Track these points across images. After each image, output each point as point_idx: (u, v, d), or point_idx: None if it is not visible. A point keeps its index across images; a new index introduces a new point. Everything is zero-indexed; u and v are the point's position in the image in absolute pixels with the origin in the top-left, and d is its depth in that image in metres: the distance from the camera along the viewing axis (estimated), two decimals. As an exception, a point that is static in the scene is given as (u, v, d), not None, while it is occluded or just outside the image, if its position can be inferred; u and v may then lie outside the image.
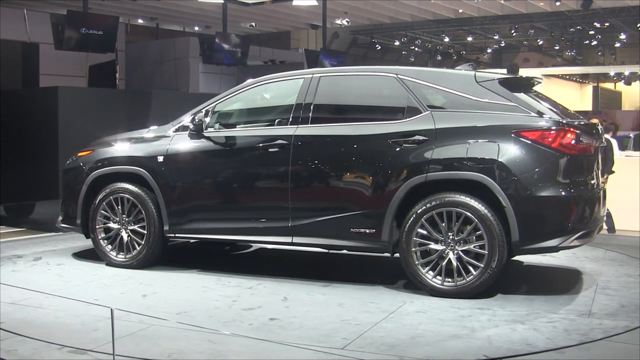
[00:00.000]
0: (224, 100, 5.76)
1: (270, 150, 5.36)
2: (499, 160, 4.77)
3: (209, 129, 5.63)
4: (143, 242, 5.75)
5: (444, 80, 5.22)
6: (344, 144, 5.24)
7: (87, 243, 6.78)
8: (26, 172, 8.70)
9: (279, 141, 5.34)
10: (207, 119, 5.59)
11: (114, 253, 5.86)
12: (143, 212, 5.73)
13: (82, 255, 6.40)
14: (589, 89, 37.36)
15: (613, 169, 6.14)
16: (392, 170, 5.02)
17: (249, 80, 5.83)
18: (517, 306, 4.75)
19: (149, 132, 5.99)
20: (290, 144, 5.30)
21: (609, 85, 37.66)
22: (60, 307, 4.64)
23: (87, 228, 5.99)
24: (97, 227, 5.91)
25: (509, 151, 4.79)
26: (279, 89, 5.86)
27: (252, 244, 6.85)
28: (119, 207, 5.83)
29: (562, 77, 33.83)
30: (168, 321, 4.30)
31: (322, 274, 5.71)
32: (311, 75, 5.55)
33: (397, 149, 5.03)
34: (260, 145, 5.41)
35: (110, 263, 5.87)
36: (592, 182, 5.02)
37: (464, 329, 4.22)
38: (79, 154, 6.21)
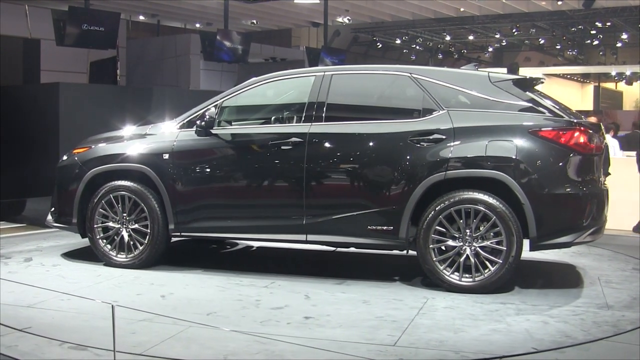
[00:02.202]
0: (231, 97, 5.70)
1: (283, 147, 5.34)
2: (517, 158, 4.91)
3: (217, 126, 5.57)
4: (146, 242, 5.63)
5: (458, 80, 5.30)
6: (361, 142, 5.26)
7: (71, 241, 6.77)
8: (27, 168, 8.69)
9: (294, 139, 5.32)
10: (216, 116, 5.53)
11: (113, 253, 5.73)
12: (146, 210, 5.61)
13: (73, 255, 6.28)
14: (590, 88, 37.33)
15: (609, 170, 6.17)
16: (411, 168, 5.07)
17: (256, 78, 5.77)
18: (536, 300, 4.89)
19: (150, 129, 5.88)
20: (305, 141, 5.29)
21: (610, 85, 37.62)
22: (82, 309, 4.51)
23: (84, 227, 5.85)
24: (96, 226, 5.76)
25: (527, 150, 4.92)
26: (288, 86, 5.84)
27: (239, 242, 6.87)
28: (119, 205, 5.70)
29: (563, 76, 33.79)
30: (206, 323, 4.24)
31: (331, 272, 5.74)
32: (322, 73, 5.54)
33: (416, 147, 5.09)
34: (273, 142, 5.38)
35: (110, 263, 5.73)
36: (601, 180, 5.21)
37: (499, 324, 4.32)
38: (75, 151, 6.04)
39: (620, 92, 36.95)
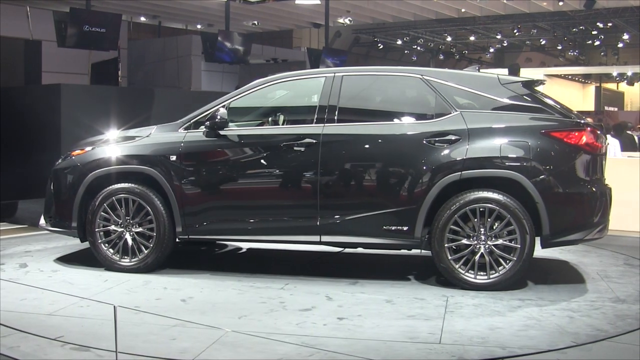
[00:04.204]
0: (239, 98, 5.65)
1: (296, 148, 5.33)
2: (531, 158, 5.03)
3: (225, 127, 5.49)
4: (152, 245, 5.51)
5: (469, 82, 5.40)
6: (376, 143, 5.29)
7: (59, 244, 6.69)
8: (28, 169, 8.70)
9: (307, 140, 5.32)
10: (225, 118, 5.44)
11: (117, 257, 5.59)
12: (152, 213, 5.49)
13: (68, 259, 6.10)
14: (591, 89, 37.32)
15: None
16: (426, 169, 5.13)
17: (264, 79, 5.73)
18: (550, 295, 5.02)
19: (154, 130, 5.74)
20: (319, 142, 5.30)
21: (611, 86, 37.62)
22: (108, 316, 4.19)
23: (84, 231, 5.69)
24: (97, 230, 5.61)
25: (540, 150, 5.06)
26: (296, 87, 5.83)
27: (228, 244, 6.84)
28: (122, 208, 5.56)
29: (564, 77, 33.80)
30: (242, 327, 4.20)
31: (340, 272, 5.76)
32: (333, 74, 5.55)
33: (431, 148, 5.15)
34: (286, 143, 5.36)
35: (112, 267, 5.57)
36: (605, 178, 5.37)
37: (529, 320, 4.41)
38: (74, 154, 5.86)
39: (622, 92, 36.95)
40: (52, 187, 5.90)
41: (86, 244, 5.90)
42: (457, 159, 5.08)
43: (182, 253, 6.57)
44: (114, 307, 3.84)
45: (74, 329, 4.13)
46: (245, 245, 6.83)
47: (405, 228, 5.17)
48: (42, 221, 5.98)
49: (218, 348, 3.83)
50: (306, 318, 4.42)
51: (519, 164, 5.04)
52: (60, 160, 5.99)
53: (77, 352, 3.74)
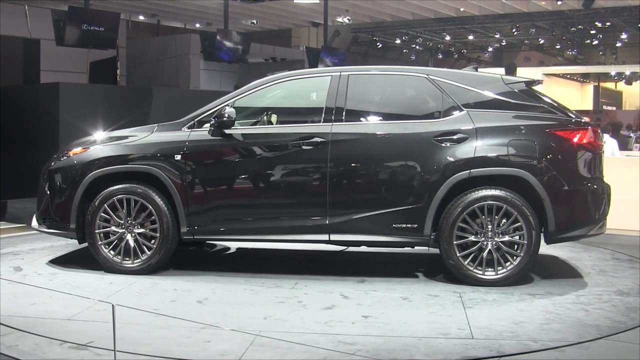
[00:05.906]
0: (243, 97, 5.61)
1: (305, 147, 5.33)
2: (537, 157, 5.16)
3: (232, 126, 5.44)
4: (156, 246, 5.44)
5: (474, 82, 5.50)
6: (385, 142, 5.34)
7: (47, 244, 6.60)
8: (26, 168, 8.69)
9: (316, 138, 5.32)
10: (234, 116, 5.39)
11: (118, 258, 5.48)
12: (155, 213, 5.41)
13: (61, 261, 5.96)
14: (589, 88, 37.31)
15: None
16: (436, 167, 5.20)
17: (269, 77, 5.73)
18: (557, 290, 5.13)
19: (156, 129, 5.64)
20: (327, 141, 5.31)
21: (609, 85, 37.64)
22: (129, 319, 4.23)
23: (82, 232, 5.57)
24: (97, 231, 5.49)
25: (546, 149, 5.20)
26: (302, 86, 5.84)
27: (217, 244, 6.80)
28: (124, 209, 5.46)
29: (563, 76, 33.80)
30: (272, 328, 4.16)
31: (343, 270, 5.78)
32: (339, 73, 5.57)
33: (440, 147, 5.22)
34: (295, 142, 5.36)
35: (112, 269, 5.45)
36: (604, 176, 5.49)
37: (547, 313, 4.50)
38: (71, 153, 5.71)
39: (620, 91, 36.96)
40: (46, 188, 5.72)
41: (75, 244, 5.85)
42: (466, 157, 5.16)
43: (180, 253, 6.56)
44: (112, 305, 3.82)
45: (101, 334, 3.92)
46: (235, 245, 6.75)
47: (414, 226, 5.22)
48: (34, 222, 5.84)
49: (257, 349, 3.79)
50: (331, 317, 4.41)
51: (525, 162, 5.15)
52: (53, 161, 5.81)
53: (74, 351, 3.72)
